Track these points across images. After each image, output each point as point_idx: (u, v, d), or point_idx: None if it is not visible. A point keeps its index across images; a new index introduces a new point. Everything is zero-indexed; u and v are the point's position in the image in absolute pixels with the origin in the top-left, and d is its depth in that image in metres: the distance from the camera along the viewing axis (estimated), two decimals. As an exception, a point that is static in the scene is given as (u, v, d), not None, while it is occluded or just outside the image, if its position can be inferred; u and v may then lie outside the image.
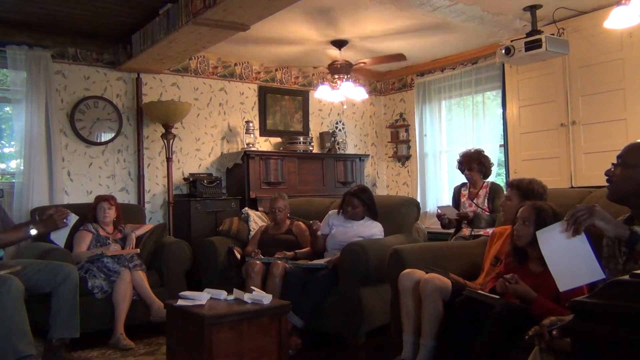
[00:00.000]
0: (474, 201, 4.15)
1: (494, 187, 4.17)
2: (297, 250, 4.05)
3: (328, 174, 6.21)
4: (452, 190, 4.46)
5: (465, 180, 4.32)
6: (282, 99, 6.40)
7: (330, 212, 4.11)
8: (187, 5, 3.97)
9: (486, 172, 4.21)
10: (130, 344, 3.56)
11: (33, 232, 3.12)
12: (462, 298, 2.51)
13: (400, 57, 5.47)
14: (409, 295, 2.79)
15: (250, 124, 5.88)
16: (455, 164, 4.38)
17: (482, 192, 4.16)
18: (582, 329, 1.31)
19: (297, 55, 5.86)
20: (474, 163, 4.17)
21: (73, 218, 3.22)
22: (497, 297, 2.37)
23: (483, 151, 4.30)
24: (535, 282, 2.30)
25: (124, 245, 4.13)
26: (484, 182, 4.21)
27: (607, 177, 2.01)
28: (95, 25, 4.73)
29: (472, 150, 4.29)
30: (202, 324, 2.62)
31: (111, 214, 4.19)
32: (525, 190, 2.84)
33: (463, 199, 4.24)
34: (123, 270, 3.80)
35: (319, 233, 4.01)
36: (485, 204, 4.10)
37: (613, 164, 2.00)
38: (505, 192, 4.86)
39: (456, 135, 6.28)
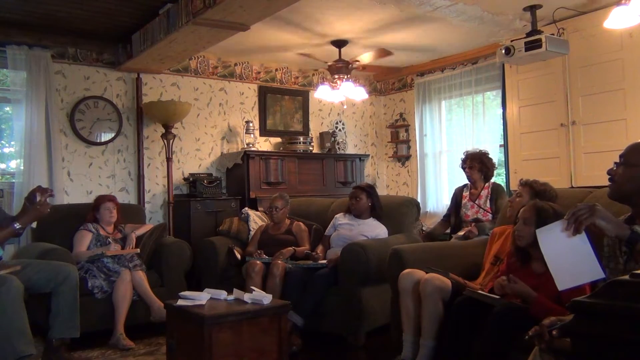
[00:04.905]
0: (476, 202, 4.15)
1: (496, 187, 4.17)
2: (296, 248, 4.06)
3: (328, 174, 6.21)
4: (453, 192, 4.46)
5: (467, 182, 4.32)
6: (282, 99, 6.40)
7: (336, 215, 4.17)
8: (187, 5, 3.96)
9: (487, 174, 4.21)
10: (130, 344, 3.56)
11: (18, 226, 2.97)
12: (462, 298, 2.51)
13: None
14: (409, 296, 2.79)
15: (250, 124, 5.88)
16: (459, 162, 4.40)
17: (484, 193, 4.16)
18: (582, 329, 1.31)
19: (297, 56, 5.86)
20: (475, 161, 4.19)
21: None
22: (497, 297, 2.37)
23: (488, 153, 4.32)
24: (537, 283, 2.29)
25: (124, 245, 4.12)
26: (485, 183, 4.21)
27: (609, 176, 2.01)
28: (95, 25, 4.73)
29: (477, 151, 4.33)
30: (202, 324, 2.62)
31: (115, 214, 4.20)
32: (538, 191, 2.84)
33: (464, 201, 4.23)
34: (123, 270, 3.80)
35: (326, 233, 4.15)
36: (487, 205, 4.10)
37: (615, 163, 2.00)
38: (508, 191, 4.90)
39: (456, 135, 6.28)
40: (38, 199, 2.98)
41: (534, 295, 2.26)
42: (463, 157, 4.32)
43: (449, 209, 4.39)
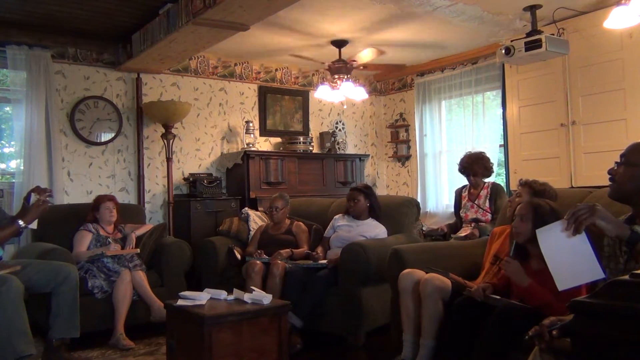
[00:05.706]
0: (475, 202, 4.15)
1: (495, 187, 4.16)
2: (294, 250, 4.05)
3: (328, 174, 6.21)
4: (454, 193, 4.45)
5: (466, 182, 4.32)
6: (282, 99, 6.40)
7: (335, 217, 4.16)
8: (187, 5, 3.97)
9: (488, 175, 4.23)
10: (130, 344, 3.56)
11: (21, 224, 3.01)
12: (462, 298, 2.52)
13: (400, 67, 5.43)
14: (409, 295, 2.79)
15: (250, 124, 5.88)
16: (457, 167, 4.34)
17: (483, 193, 4.15)
18: (582, 329, 1.31)
19: (296, 56, 5.85)
20: (479, 168, 4.16)
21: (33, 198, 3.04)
22: (498, 297, 2.38)
23: (484, 153, 4.30)
24: (536, 280, 2.30)
25: (124, 245, 4.12)
26: (485, 183, 4.21)
27: (610, 176, 2.01)
28: (95, 25, 4.73)
29: (474, 154, 4.25)
30: (202, 324, 2.62)
31: (115, 213, 4.20)
32: (537, 191, 2.84)
33: (464, 201, 4.23)
34: (123, 270, 3.80)
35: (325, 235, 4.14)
36: (487, 205, 4.09)
37: (616, 162, 2.00)
38: (508, 191, 4.90)
39: (456, 135, 6.28)
40: (33, 199, 2.99)
41: (528, 281, 2.29)
42: (463, 164, 4.23)
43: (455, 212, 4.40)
